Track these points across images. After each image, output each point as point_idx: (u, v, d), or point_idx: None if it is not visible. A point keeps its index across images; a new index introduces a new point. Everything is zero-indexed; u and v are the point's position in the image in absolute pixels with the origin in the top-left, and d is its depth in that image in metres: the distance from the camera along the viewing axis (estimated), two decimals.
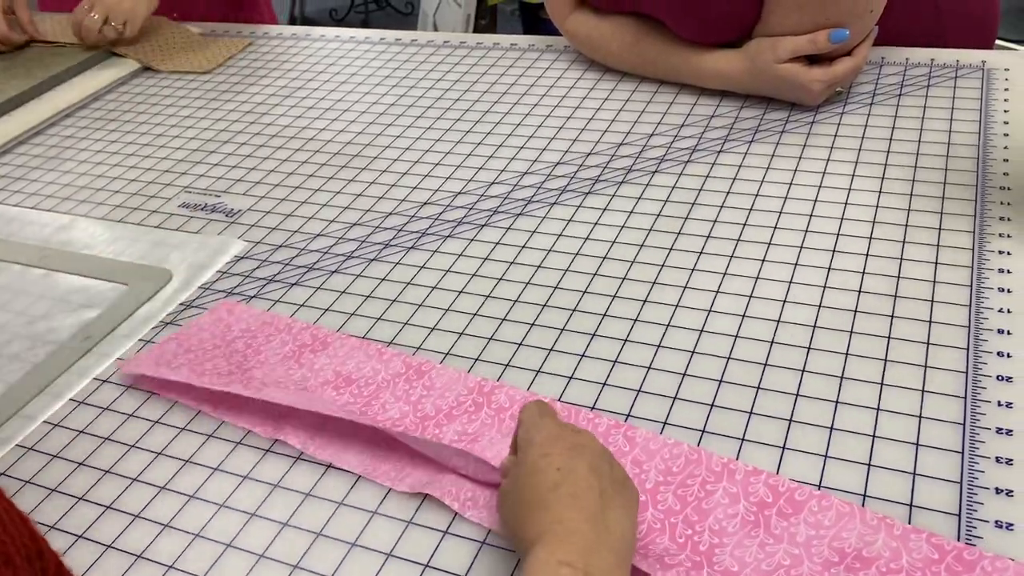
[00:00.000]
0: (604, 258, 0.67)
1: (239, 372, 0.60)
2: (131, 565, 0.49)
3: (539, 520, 0.41)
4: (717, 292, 0.62)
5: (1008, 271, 0.60)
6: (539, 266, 0.68)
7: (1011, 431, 0.49)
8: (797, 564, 0.43)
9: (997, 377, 0.52)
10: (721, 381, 0.55)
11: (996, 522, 0.45)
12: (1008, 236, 0.64)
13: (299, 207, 0.79)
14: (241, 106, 0.99)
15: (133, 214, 0.82)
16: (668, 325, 0.60)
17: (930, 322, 0.57)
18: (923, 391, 0.52)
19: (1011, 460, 0.47)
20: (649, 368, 0.57)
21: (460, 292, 0.66)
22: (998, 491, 0.46)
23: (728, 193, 0.73)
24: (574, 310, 0.63)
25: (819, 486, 0.48)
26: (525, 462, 0.44)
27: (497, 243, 0.71)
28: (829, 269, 0.63)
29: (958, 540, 0.44)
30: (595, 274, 0.66)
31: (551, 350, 0.60)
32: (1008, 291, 0.59)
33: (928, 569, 0.42)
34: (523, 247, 0.70)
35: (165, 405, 0.60)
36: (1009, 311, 0.57)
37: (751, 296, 0.62)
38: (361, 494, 0.52)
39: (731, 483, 0.48)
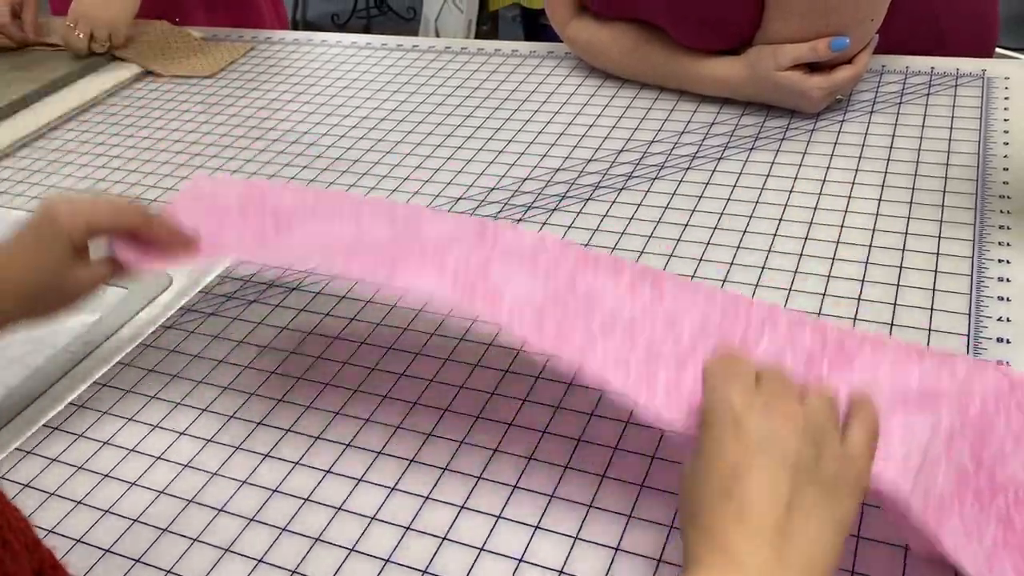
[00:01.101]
0: None
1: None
2: (130, 569, 0.49)
3: (702, 536, 0.34)
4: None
5: (1008, 279, 0.60)
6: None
7: None
8: None
9: None
10: None
11: None
12: (1008, 244, 0.64)
13: None
14: (242, 111, 0.99)
15: None
16: None
17: (929, 330, 0.57)
18: None
19: None
20: None
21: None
22: None
23: (728, 200, 0.73)
24: None
25: None
26: (700, 444, 0.36)
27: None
28: (829, 277, 0.63)
29: None
30: None
31: None
32: (1008, 299, 0.59)
33: (1000, 400, 0.41)
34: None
35: (165, 409, 0.60)
36: (1009, 319, 0.57)
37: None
38: (360, 499, 0.52)
39: (774, 335, 0.44)
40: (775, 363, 0.41)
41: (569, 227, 0.72)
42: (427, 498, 0.51)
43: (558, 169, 0.80)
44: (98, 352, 0.66)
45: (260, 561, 0.49)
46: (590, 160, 0.81)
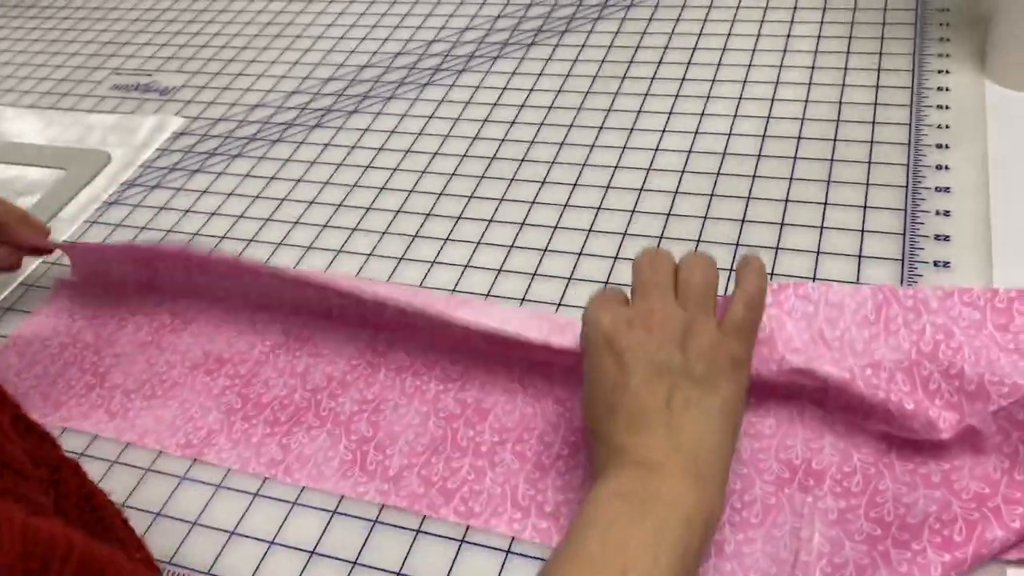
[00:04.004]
0: (551, 107, 0.67)
1: (98, 383, 0.52)
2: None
3: (602, 448, 0.36)
4: (664, 131, 0.62)
5: (947, 89, 0.61)
6: (485, 120, 0.67)
7: (948, 236, 0.51)
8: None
9: (935, 188, 0.54)
10: (669, 215, 0.56)
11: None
12: (947, 56, 0.64)
13: (235, 80, 0.77)
14: None
15: (63, 100, 0.79)
16: (616, 166, 0.60)
17: (872, 142, 0.58)
18: (865, 207, 0.53)
19: (948, 263, 0.49)
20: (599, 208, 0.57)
21: (407, 151, 0.66)
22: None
23: (672, 35, 0.72)
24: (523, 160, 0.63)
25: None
26: (584, 370, 0.39)
27: (441, 101, 0.70)
28: (773, 100, 0.63)
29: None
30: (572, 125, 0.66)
31: (502, 199, 0.60)
32: (947, 108, 0.59)
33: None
34: (467, 103, 0.69)
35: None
36: (948, 127, 0.58)
37: (696, 132, 0.62)
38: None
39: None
40: (649, 250, 0.41)
41: (512, 74, 0.71)
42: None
43: (498, 16, 0.78)
44: None
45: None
46: (498, 17, 0.79)
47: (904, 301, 0.43)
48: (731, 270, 0.51)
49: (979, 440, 0.38)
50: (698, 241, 0.54)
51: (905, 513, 0.38)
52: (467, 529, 0.42)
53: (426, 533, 0.42)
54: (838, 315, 0.43)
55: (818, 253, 0.51)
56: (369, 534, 0.43)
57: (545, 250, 0.55)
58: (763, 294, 0.40)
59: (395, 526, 0.43)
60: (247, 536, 0.44)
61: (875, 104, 0.61)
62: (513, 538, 0.41)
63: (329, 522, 0.43)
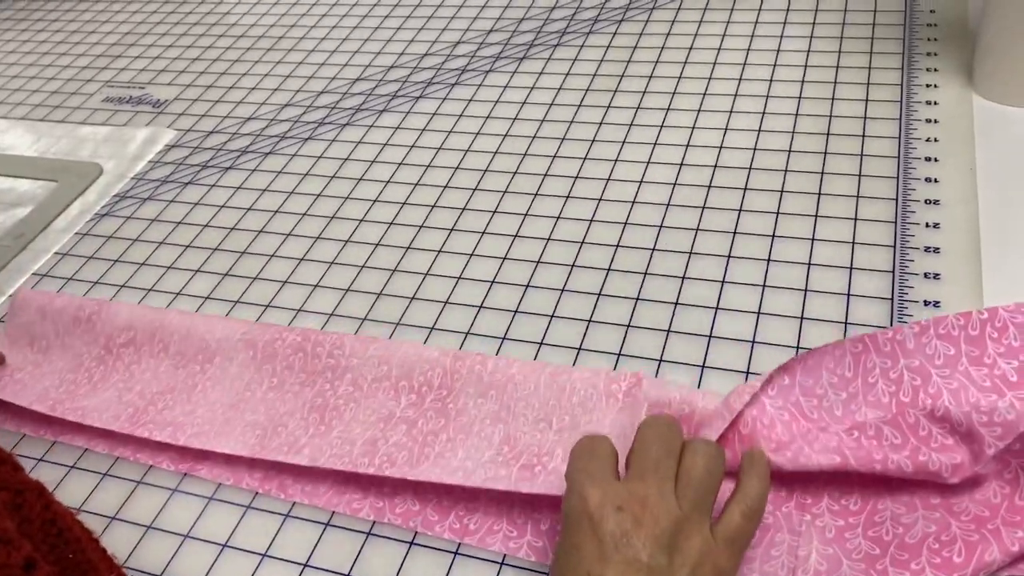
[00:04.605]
0: (542, 121, 0.67)
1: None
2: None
3: None
4: (655, 143, 0.63)
5: (935, 103, 0.61)
6: (478, 133, 0.67)
7: (938, 249, 0.51)
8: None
9: (925, 201, 0.54)
10: (661, 226, 0.56)
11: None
12: (935, 70, 0.65)
13: (227, 92, 0.77)
14: None
15: (55, 112, 0.79)
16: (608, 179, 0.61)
17: (861, 155, 0.58)
18: (855, 219, 0.54)
19: (938, 275, 0.49)
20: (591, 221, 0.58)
21: (400, 164, 0.66)
22: (926, 303, 0.48)
23: (663, 48, 0.72)
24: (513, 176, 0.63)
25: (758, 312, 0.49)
26: (560, 540, 0.36)
27: (434, 113, 0.70)
28: (764, 114, 0.63)
29: None
30: (563, 138, 0.66)
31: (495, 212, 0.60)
32: (935, 121, 0.60)
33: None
34: (460, 116, 0.69)
35: (109, 292, 0.59)
36: (936, 140, 0.58)
37: (688, 145, 0.62)
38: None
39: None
40: (659, 422, 0.38)
41: (505, 87, 0.71)
42: None
43: (490, 31, 0.79)
44: (33, 245, 0.64)
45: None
46: (491, 31, 0.79)
47: (882, 347, 0.41)
48: (723, 281, 0.52)
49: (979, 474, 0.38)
50: (690, 253, 0.54)
51: (904, 532, 0.38)
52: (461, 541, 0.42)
53: (420, 545, 0.42)
54: (814, 383, 0.42)
55: (808, 265, 0.52)
56: (362, 547, 0.42)
57: (538, 262, 0.55)
58: (764, 501, 0.37)
59: (389, 539, 0.43)
60: (239, 549, 0.43)
61: (864, 118, 0.61)
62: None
63: (321, 535, 0.43)
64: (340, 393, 0.48)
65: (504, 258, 0.56)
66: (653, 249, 0.55)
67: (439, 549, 0.42)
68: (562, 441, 0.43)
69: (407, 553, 0.42)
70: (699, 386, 0.46)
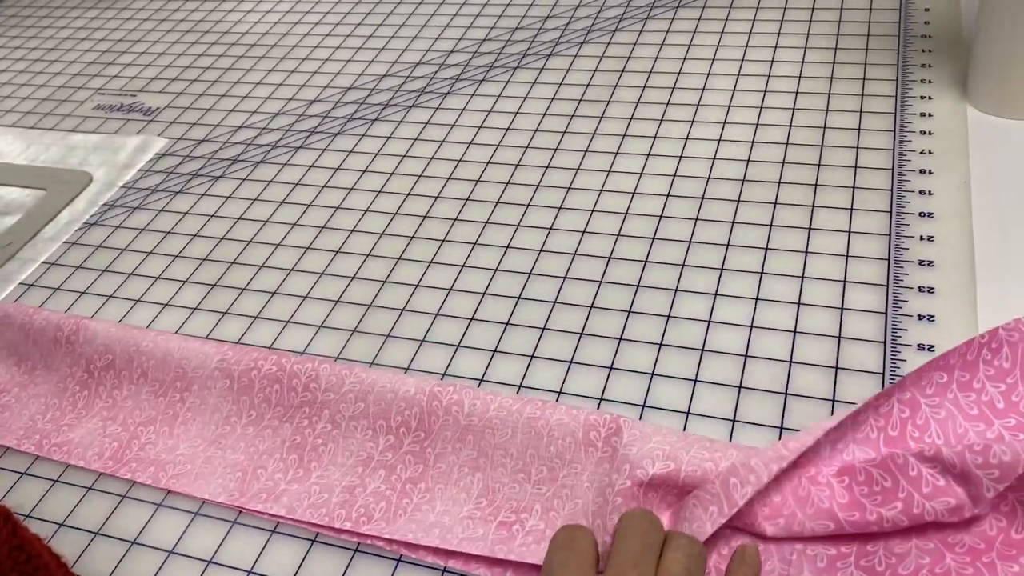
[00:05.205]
0: (534, 130, 0.67)
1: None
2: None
3: None
4: (648, 155, 0.62)
5: (930, 114, 0.61)
6: (471, 143, 0.67)
7: (932, 262, 0.51)
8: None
9: (919, 213, 0.54)
10: (654, 238, 0.56)
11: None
12: (930, 82, 0.64)
13: (219, 100, 0.77)
14: (151, 3, 0.94)
15: (45, 119, 0.79)
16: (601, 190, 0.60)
17: (855, 167, 0.58)
18: (849, 232, 0.54)
19: (932, 288, 0.49)
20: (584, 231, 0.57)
21: (391, 174, 0.65)
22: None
23: (657, 59, 0.72)
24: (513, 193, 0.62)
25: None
26: None
27: (427, 123, 0.70)
28: (757, 125, 0.63)
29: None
30: (556, 148, 0.65)
31: (486, 223, 0.59)
32: (930, 133, 0.60)
33: None
34: (453, 125, 0.69)
35: (97, 303, 0.59)
36: (931, 152, 0.58)
37: (681, 156, 0.62)
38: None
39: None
40: (640, 517, 0.37)
41: (498, 96, 0.71)
42: (372, 363, 0.51)
43: (484, 40, 0.78)
44: (21, 254, 0.64)
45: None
46: (484, 40, 0.79)
47: (878, 400, 0.40)
48: (716, 294, 0.51)
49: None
50: (683, 265, 0.53)
51: (897, 563, 0.37)
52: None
53: (407, 563, 0.41)
54: (805, 433, 0.40)
55: (803, 278, 0.51)
56: (348, 564, 0.42)
57: (530, 273, 0.55)
58: None
59: (376, 555, 0.42)
60: (224, 565, 0.43)
61: (859, 129, 0.61)
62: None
63: (308, 552, 0.43)
64: (318, 431, 0.47)
65: (496, 270, 0.55)
66: (645, 261, 0.54)
67: (427, 567, 0.41)
68: (540, 496, 0.42)
69: (394, 571, 0.41)
70: (690, 397, 0.46)
